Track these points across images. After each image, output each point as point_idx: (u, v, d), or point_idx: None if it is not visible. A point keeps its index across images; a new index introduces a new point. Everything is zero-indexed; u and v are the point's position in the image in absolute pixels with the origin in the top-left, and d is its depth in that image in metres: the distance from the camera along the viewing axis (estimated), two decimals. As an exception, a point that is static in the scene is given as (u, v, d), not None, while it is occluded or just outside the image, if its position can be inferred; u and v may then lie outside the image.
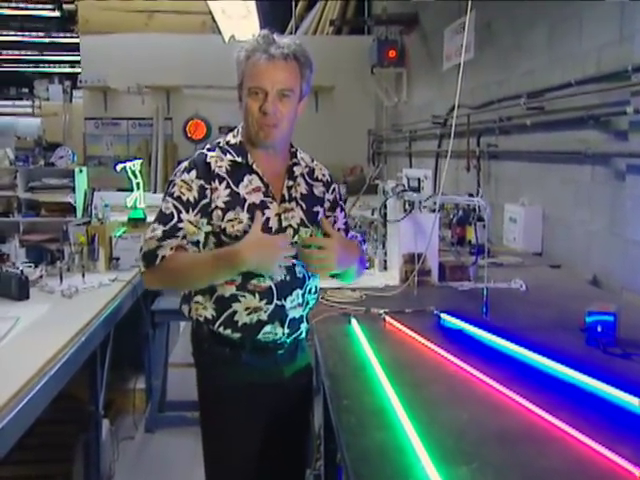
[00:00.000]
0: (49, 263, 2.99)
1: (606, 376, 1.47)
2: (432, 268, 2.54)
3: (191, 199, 1.55)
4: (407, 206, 2.56)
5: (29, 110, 11.33)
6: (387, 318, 2.01)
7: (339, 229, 1.74)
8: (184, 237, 1.54)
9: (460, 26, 4.58)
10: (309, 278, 1.67)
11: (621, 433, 1.24)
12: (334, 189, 1.76)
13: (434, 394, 1.45)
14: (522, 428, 1.27)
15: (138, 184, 4.05)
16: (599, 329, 1.79)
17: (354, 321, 1.98)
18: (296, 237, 1.61)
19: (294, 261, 1.58)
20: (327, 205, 1.73)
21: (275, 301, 1.60)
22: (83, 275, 2.85)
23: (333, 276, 1.72)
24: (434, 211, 2.48)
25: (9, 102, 12.95)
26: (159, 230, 1.54)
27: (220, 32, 5.99)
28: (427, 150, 5.43)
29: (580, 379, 1.50)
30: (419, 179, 4.05)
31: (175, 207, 1.55)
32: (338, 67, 7.31)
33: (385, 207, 2.74)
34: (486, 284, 2.13)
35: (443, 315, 2.02)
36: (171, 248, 1.51)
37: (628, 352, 1.69)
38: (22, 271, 2.56)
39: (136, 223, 3.63)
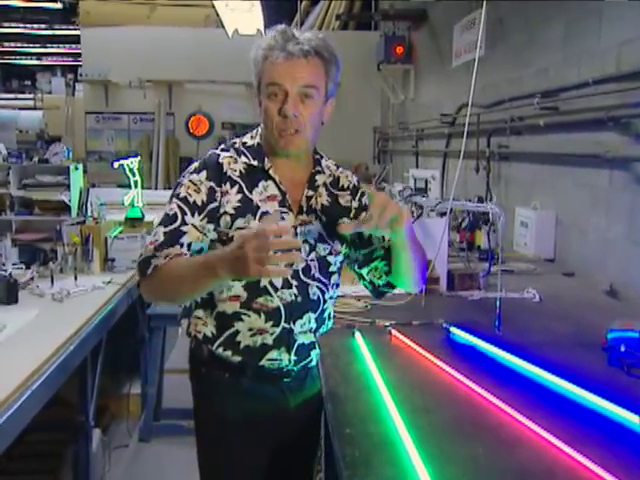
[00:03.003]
0: (42, 264, 2.88)
1: (633, 404, 1.35)
2: (440, 276, 2.41)
3: (198, 201, 1.40)
4: (417, 209, 2.43)
5: (31, 103, 11.18)
6: (393, 331, 1.89)
7: None
8: (189, 245, 1.37)
9: (470, 22, 4.45)
10: (324, 302, 1.50)
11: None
12: (362, 194, 1.56)
13: (445, 422, 1.32)
14: (544, 466, 1.14)
15: (136, 182, 3.95)
16: (622, 348, 1.67)
17: (358, 335, 1.86)
18: (312, 254, 1.46)
19: (308, 280, 1.44)
20: (353, 213, 1.54)
21: (283, 324, 1.44)
22: (75, 277, 2.73)
23: (389, 284, 1.52)
24: (443, 215, 2.36)
25: (11, 95, 12.81)
26: (160, 233, 1.38)
27: (223, 26, 5.87)
28: (434, 150, 5.30)
29: (606, 407, 1.37)
30: (426, 180, 3.95)
31: (180, 208, 1.39)
32: (344, 63, 7.11)
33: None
34: (500, 295, 2.01)
35: (453, 329, 1.90)
36: (167, 257, 1.34)
37: (655, 375, 1.56)
38: (11, 274, 2.45)
39: (133, 222, 3.51)
